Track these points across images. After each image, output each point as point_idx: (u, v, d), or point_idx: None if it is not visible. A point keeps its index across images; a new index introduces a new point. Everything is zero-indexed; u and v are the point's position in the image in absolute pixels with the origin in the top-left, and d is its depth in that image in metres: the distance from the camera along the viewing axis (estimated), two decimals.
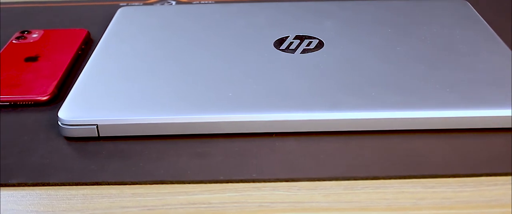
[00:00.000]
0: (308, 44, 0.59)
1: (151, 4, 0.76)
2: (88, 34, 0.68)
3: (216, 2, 0.76)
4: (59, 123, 0.50)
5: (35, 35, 0.67)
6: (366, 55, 0.58)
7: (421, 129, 0.50)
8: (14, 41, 0.66)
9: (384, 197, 0.44)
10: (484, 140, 0.49)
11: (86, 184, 0.46)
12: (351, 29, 0.63)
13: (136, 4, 0.77)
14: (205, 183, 0.46)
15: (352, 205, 0.44)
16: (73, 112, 0.50)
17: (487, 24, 0.63)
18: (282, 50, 0.59)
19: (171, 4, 0.76)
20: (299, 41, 0.60)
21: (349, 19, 0.65)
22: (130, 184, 0.46)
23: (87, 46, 0.66)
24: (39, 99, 0.55)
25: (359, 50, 0.59)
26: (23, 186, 0.46)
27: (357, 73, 0.55)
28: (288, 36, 0.61)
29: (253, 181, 0.46)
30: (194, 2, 0.76)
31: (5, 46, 0.65)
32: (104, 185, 0.46)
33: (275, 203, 0.44)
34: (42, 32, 0.67)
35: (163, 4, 0.76)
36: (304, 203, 0.44)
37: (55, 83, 0.57)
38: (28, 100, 0.55)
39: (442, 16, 0.66)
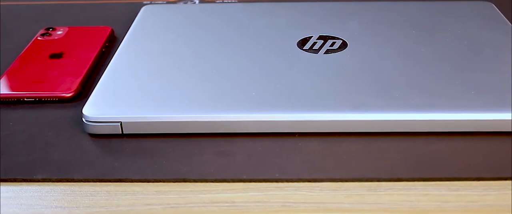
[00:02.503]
0: (332, 45, 0.59)
1: (175, 2, 0.77)
2: (112, 31, 0.68)
3: (239, 2, 0.76)
4: (83, 119, 0.51)
5: (59, 32, 0.67)
6: (390, 56, 0.58)
7: (446, 131, 0.49)
8: (39, 38, 0.66)
9: (408, 199, 0.44)
10: (510, 143, 0.49)
11: (109, 180, 0.46)
12: (375, 30, 0.63)
13: (160, 2, 0.77)
14: (228, 182, 0.46)
15: (375, 207, 0.43)
16: (97, 109, 0.51)
17: None
18: (306, 50, 0.59)
19: (195, 3, 0.76)
20: (322, 41, 0.60)
21: (373, 20, 0.65)
22: (153, 182, 0.46)
23: (110, 44, 0.67)
24: (63, 96, 0.56)
25: (383, 51, 0.58)
26: (48, 181, 0.47)
27: (380, 74, 0.54)
28: (312, 36, 0.61)
29: (276, 180, 0.46)
30: (218, 1, 0.77)
31: (30, 43, 0.65)
32: (127, 182, 0.46)
33: (298, 203, 0.44)
34: (66, 29, 0.68)
35: (186, 2, 0.76)
36: (326, 204, 0.44)
37: (79, 80, 0.58)
38: (53, 97, 0.56)
39: (467, 17, 0.65)
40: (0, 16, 0.75)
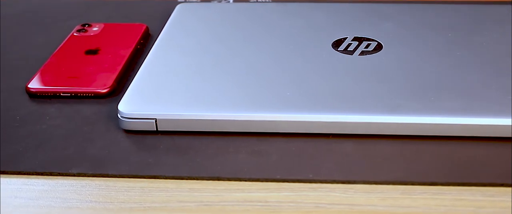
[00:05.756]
0: (367, 46, 0.59)
1: (209, 1, 0.77)
2: (147, 29, 0.68)
3: (273, 1, 0.76)
4: (118, 115, 0.51)
5: (95, 29, 0.68)
6: (426, 59, 0.57)
7: (482, 136, 0.49)
8: (75, 34, 0.67)
9: (442, 203, 0.44)
10: None
11: (144, 177, 0.47)
12: (410, 32, 0.62)
13: (194, 1, 0.78)
14: (262, 181, 0.46)
15: (409, 210, 0.43)
16: (132, 105, 0.51)
17: None
18: (340, 51, 0.58)
19: (229, 1, 0.77)
20: (357, 43, 0.60)
21: (408, 22, 0.64)
22: (187, 179, 0.46)
23: (145, 41, 0.67)
24: (98, 92, 0.56)
25: (418, 53, 0.58)
26: (83, 176, 0.47)
27: (416, 77, 0.54)
28: (346, 37, 0.61)
29: (310, 181, 0.46)
30: (252, 1, 0.77)
31: (66, 39, 0.66)
32: (161, 179, 0.47)
33: (331, 204, 0.44)
34: (102, 25, 0.68)
35: (220, 1, 0.77)
36: (360, 206, 0.44)
37: (114, 76, 0.58)
38: (88, 93, 0.56)
39: (504, 21, 0.64)
40: (36, 12, 0.76)
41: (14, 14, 0.75)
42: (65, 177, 0.47)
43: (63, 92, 0.56)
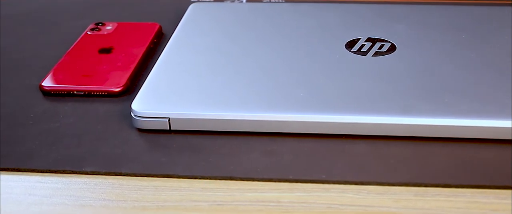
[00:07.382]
0: (380, 47, 0.59)
1: (222, 1, 0.77)
2: (160, 28, 0.69)
3: (286, 1, 0.76)
4: (132, 114, 0.51)
5: (109, 28, 0.68)
6: (439, 60, 0.57)
7: (496, 139, 0.49)
8: (88, 33, 0.67)
9: (456, 205, 0.44)
10: None
11: (157, 176, 0.47)
12: (424, 33, 0.62)
13: (208, 0, 0.78)
14: (274, 181, 0.46)
15: (422, 212, 0.43)
16: (146, 104, 0.51)
17: None
18: (354, 52, 0.58)
19: (242, 1, 0.77)
20: (371, 44, 0.59)
21: (422, 23, 0.64)
22: (200, 178, 0.46)
23: (158, 40, 0.67)
24: (112, 91, 0.57)
25: (432, 55, 0.58)
26: (96, 174, 0.47)
27: (429, 78, 0.54)
28: (360, 38, 0.61)
29: (322, 182, 0.46)
30: (265, 1, 0.77)
31: (80, 37, 0.66)
32: (174, 178, 0.47)
33: (344, 205, 0.44)
34: (115, 24, 0.69)
35: (233, 1, 0.77)
36: (373, 207, 0.44)
37: (127, 75, 0.58)
38: (102, 91, 0.57)
39: None
40: (46, 11, 0.76)
41: (22, 13, 0.75)
42: (78, 175, 0.48)
43: (77, 91, 0.57)
